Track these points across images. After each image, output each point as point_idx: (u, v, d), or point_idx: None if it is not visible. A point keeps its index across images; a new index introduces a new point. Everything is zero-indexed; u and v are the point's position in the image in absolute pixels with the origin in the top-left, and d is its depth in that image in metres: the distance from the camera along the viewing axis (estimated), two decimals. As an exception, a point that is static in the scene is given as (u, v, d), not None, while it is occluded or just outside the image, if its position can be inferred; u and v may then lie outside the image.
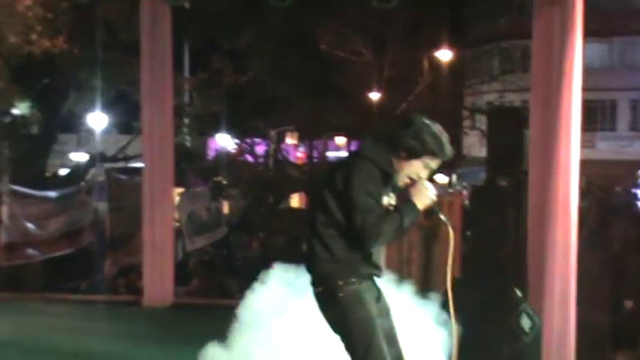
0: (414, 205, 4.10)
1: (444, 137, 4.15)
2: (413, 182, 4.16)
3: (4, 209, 12.32)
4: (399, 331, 4.30)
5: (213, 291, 12.01)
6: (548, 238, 6.84)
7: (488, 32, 30.23)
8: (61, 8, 12.01)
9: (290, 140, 29.09)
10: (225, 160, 24.92)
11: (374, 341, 4.09)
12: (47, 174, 18.68)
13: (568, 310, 6.66)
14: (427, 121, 4.16)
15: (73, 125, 23.17)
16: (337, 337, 4.23)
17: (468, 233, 10.33)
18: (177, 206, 12.66)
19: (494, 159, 12.38)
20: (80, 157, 24.74)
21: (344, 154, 27.63)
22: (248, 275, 6.11)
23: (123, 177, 14.09)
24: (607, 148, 30.68)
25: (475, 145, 26.48)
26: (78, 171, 18.55)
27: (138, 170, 12.64)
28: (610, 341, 7.88)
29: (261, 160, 26.62)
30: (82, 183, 14.88)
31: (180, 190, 14.29)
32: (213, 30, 18.09)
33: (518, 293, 7.00)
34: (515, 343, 6.42)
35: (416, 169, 4.16)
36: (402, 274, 5.90)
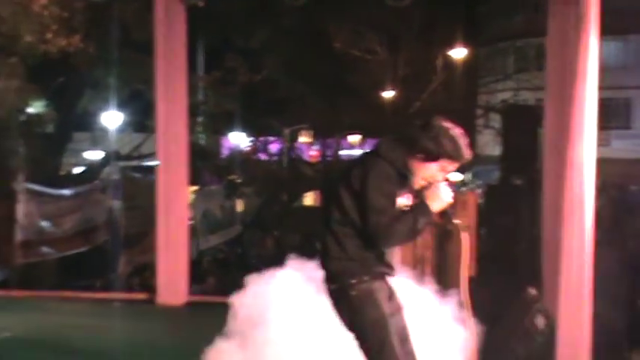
0: (428, 208, 4.11)
1: (462, 141, 4.16)
2: (428, 184, 4.16)
3: (20, 207, 12.38)
4: (412, 330, 4.30)
5: (228, 289, 12.02)
6: (563, 237, 6.80)
7: (503, 30, 30.15)
8: (76, 7, 12.05)
9: (304, 139, 29.07)
10: (240, 158, 24.96)
11: (387, 340, 4.09)
12: (62, 172, 18.77)
13: (583, 309, 6.63)
14: (446, 125, 4.16)
15: (87, 124, 23.27)
16: (351, 335, 4.23)
17: (483, 232, 10.32)
18: (191, 204, 12.68)
19: (508, 157, 12.38)
20: (95, 155, 24.84)
21: (357, 152, 27.64)
22: (262, 273, 6.11)
23: (137, 175, 14.14)
24: (622, 147, 30.52)
25: (489, 144, 26.40)
26: (92, 169, 18.62)
27: (152, 168, 12.66)
28: (625, 340, 7.84)
29: (275, 158, 26.63)
30: (97, 181, 14.93)
31: (194, 188, 14.33)
32: (227, 28, 18.12)
33: (533, 292, 6.98)
34: (530, 343, 6.40)
35: (432, 171, 4.16)
36: (416, 272, 5.89)
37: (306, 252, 5.67)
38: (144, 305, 9.74)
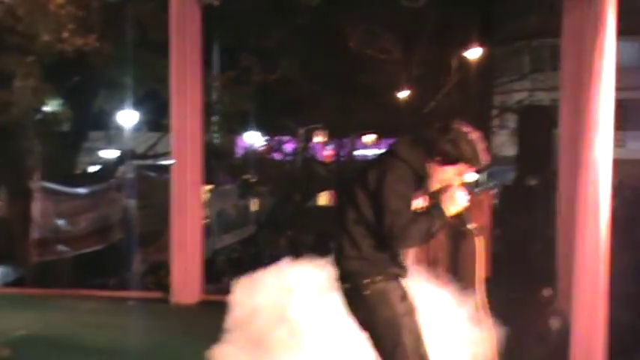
0: (443, 211, 4.11)
1: (481, 146, 4.16)
2: (445, 188, 4.16)
3: (36, 206, 12.43)
4: (426, 330, 4.30)
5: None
6: (577, 238, 6.78)
7: (519, 30, 30.00)
8: (92, 6, 12.08)
9: (318, 138, 29.11)
10: (254, 157, 25.02)
11: (400, 340, 4.10)
12: (77, 171, 18.83)
13: (598, 310, 6.60)
14: (466, 129, 4.16)
15: (103, 122, 23.34)
16: (363, 335, 4.24)
17: (498, 232, 10.30)
18: (205, 203, 12.70)
19: (523, 158, 12.37)
20: (110, 154, 24.92)
21: (372, 152, 27.65)
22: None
23: (152, 174, 14.17)
24: (638, 148, 30.35)
25: (504, 144, 26.33)
26: (108, 168, 18.67)
27: (167, 167, 12.70)
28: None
29: (289, 158, 26.66)
30: (112, 180, 14.97)
31: (209, 187, 14.35)
32: (242, 28, 18.13)
33: (548, 293, 6.97)
34: (544, 343, 6.39)
35: (449, 175, 4.17)
36: (430, 273, 5.89)
37: (320, 252, 5.68)
38: (158, 304, 9.77)
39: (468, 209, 4.17)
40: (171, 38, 9.50)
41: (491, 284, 4.58)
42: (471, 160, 4.15)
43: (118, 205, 13.27)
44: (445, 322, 5.30)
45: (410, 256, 4.47)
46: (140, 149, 20.49)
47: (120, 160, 18.57)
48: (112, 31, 12.97)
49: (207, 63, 11.84)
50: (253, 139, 26.86)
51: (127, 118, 22.31)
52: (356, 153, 28.48)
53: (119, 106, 19.50)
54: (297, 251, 6.02)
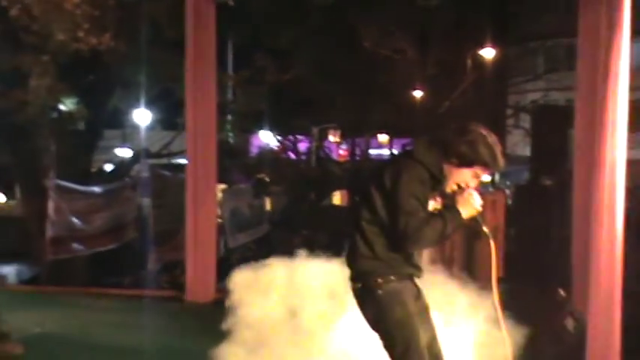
0: (458, 213, 4.10)
1: (498, 149, 4.14)
2: (460, 190, 4.15)
3: (51, 204, 12.48)
4: (440, 330, 4.30)
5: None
6: (592, 239, 6.75)
7: (533, 30, 29.88)
8: (107, 6, 12.11)
9: (332, 138, 29.11)
10: (268, 157, 25.03)
11: (413, 340, 4.09)
12: (92, 169, 18.88)
13: (613, 311, 6.57)
14: (483, 132, 4.15)
15: (118, 121, 23.42)
16: (376, 335, 4.23)
17: (512, 232, 10.26)
18: (220, 203, 12.73)
19: (538, 158, 12.31)
20: (125, 152, 25.00)
21: (386, 151, 27.62)
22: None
23: (167, 173, 14.21)
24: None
25: (519, 144, 26.26)
26: (122, 167, 18.73)
27: (181, 166, 12.73)
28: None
29: (303, 157, 26.66)
30: (127, 179, 15.03)
31: (223, 186, 14.37)
32: (256, 28, 18.14)
33: (563, 293, 6.94)
34: (560, 344, 6.37)
35: (465, 177, 4.15)
36: (445, 272, 5.88)
37: (334, 251, 5.68)
38: (173, 302, 9.81)
39: (482, 212, 4.16)
40: (187, 37, 9.54)
41: (506, 284, 4.58)
42: (488, 163, 4.13)
43: (132, 203, 13.32)
44: (460, 322, 5.29)
45: (425, 256, 4.46)
46: (155, 148, 20.53)
47: (135, 159, 18.63)
48: (127, 30, 12.99)
49: (221, 63, 11.87)
50: (268, 138, 26.88)
51: (142, 116, 22.38)
52: (371, 152, 28.43)
53: (134, 104, 19.55)
54: (311, 250, 5.98)
